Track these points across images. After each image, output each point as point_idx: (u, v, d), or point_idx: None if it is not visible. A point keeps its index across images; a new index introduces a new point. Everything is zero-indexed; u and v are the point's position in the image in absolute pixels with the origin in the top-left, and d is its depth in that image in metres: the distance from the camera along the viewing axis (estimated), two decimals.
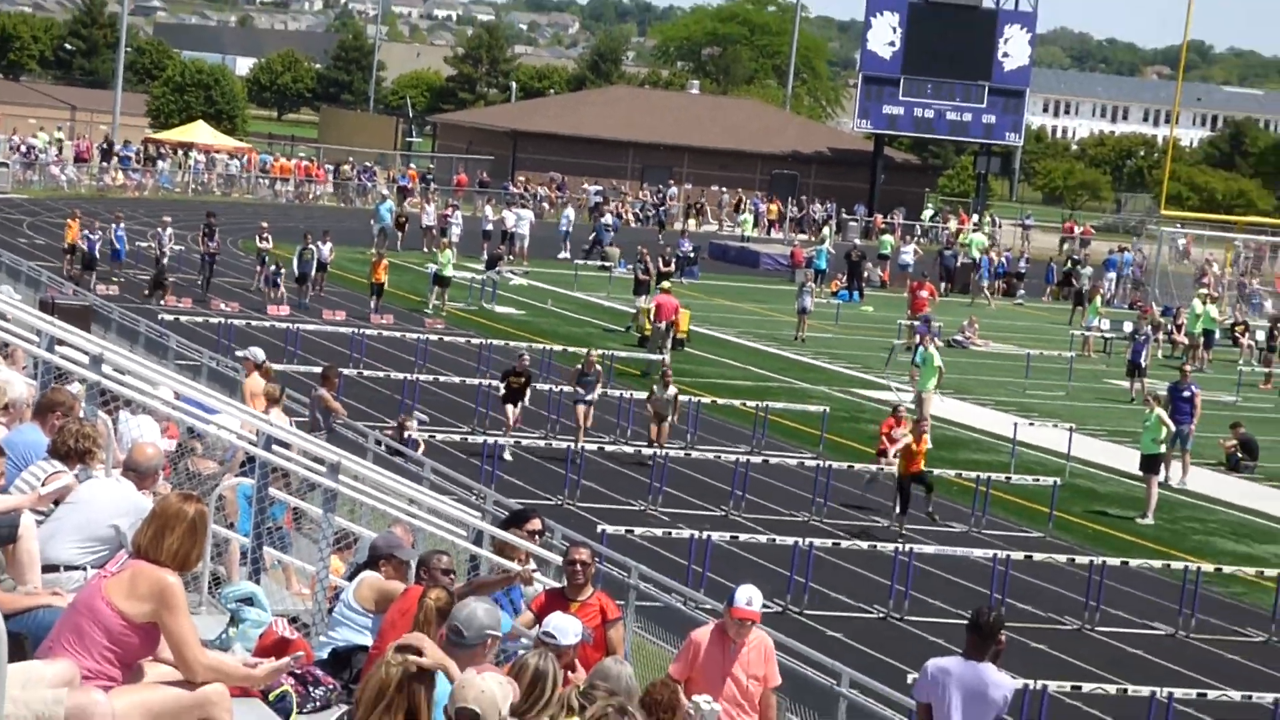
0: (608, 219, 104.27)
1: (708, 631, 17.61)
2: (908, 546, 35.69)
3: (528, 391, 41.66)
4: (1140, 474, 44.40)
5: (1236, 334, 76.89)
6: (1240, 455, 50.21)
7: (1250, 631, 35.26)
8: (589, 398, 43.45)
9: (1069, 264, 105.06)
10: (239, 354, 33.79)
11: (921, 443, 37.14)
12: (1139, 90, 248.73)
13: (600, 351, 55.97)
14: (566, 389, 48.45)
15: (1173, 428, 45.44)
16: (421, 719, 9.74)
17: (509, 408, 40.51)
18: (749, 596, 17.34)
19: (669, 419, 44.21)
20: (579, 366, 45.76)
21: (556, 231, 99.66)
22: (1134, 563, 36.86)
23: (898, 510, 37.42)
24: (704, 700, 16.30)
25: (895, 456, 38.40)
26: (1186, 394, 48.85)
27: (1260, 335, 75.54)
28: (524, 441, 43.28)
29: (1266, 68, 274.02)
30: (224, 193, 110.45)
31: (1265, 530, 43.75)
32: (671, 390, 44.50)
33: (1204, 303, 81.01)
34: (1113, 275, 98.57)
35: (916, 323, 68.77)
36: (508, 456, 33.02)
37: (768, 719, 17.65)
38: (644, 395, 47.02)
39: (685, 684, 16.95)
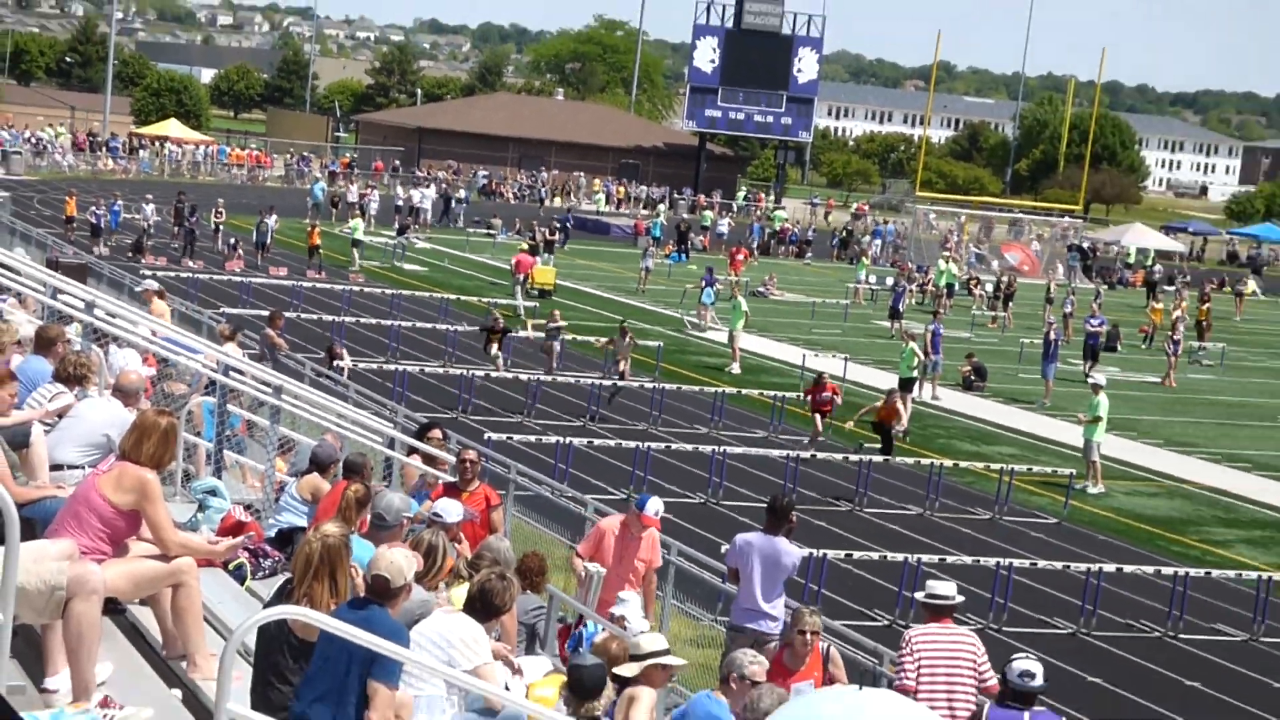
0: (461, 193, 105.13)
1: (615, 523, 18.18)
2: (722, 448, 35.96)
3: (504, 338, 41.72)
4: (899, 393, 44.80)
5: (971, 286, 77.51)
6: (973, 378, 50.73)
7: (978, 510, 35.47)
8: (555, 343, 42.99)
9: (846, 233, 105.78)
10: (140, 289, 33.31)
11: (894, 406, 36.03)
12: (900, 100, 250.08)
13: (489, 300, 56.60)
14: (460, 328, 48.82)
15: (924, 358, 46.02)
16: (340, 582, 9.91)
17: (494, 348, 40.98)
18: (657, 508, 18.22)
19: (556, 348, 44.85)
20: (545, 320, 45.41)
21: (456, 207, 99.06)
22: (894, 460, 37.17)
23: (881, 449, 36.06)
24: (594, 566, 17.46)
25: (866, 415, 37.53)
26: (937, 332, 49.63)
27: (989, 287, 76.14)
28: (428, 369, 43.30)
29: (996, 82, 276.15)
30: (191, 176, 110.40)
31: (992, 435, 44.11)
32: (560, 322, 45.65)
33: (946, 262, 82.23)
34: (879, 241, 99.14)
35: (724, 277, 69.16)
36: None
37: (649, 590, 18.16)
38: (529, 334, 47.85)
39: (591, 558, 17.78)
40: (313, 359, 37.72)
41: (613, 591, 16.91)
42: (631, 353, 44.82)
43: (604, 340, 46.34)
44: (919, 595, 16.90)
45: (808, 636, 15.06)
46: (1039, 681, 13.93)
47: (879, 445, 36.27)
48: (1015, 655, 14.89)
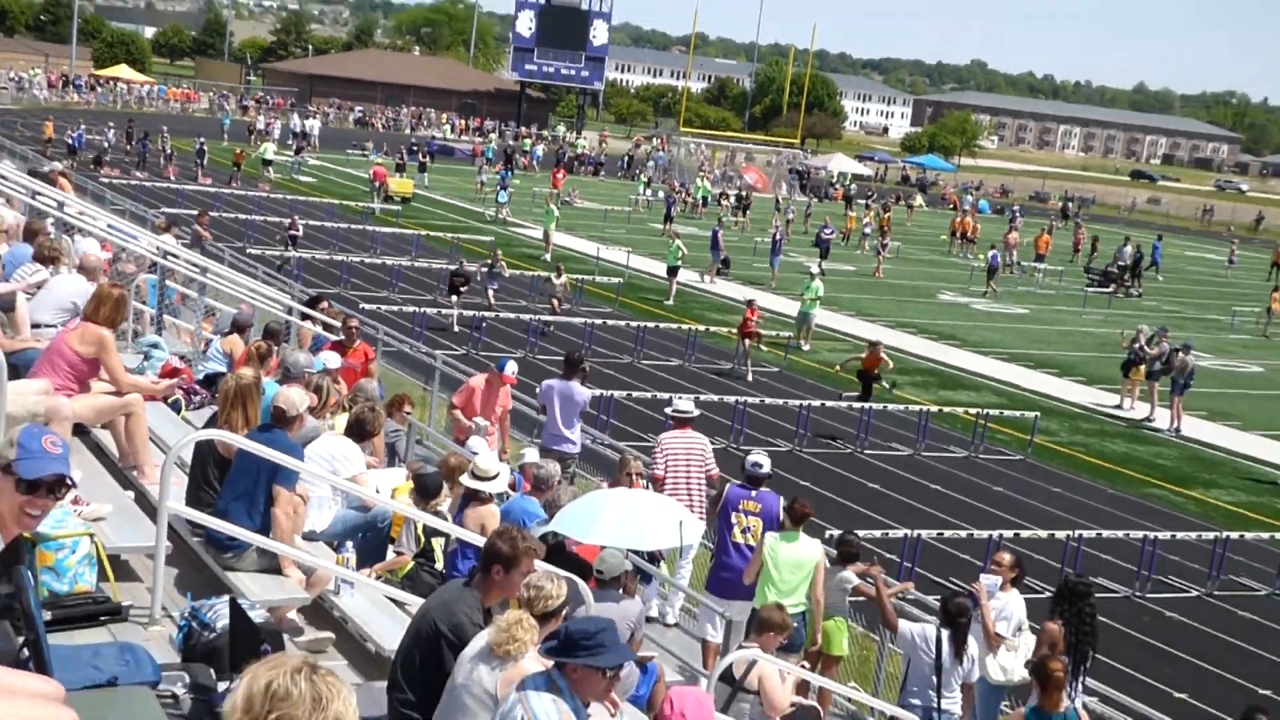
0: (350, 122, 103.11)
1: (481, 380, 18.03)
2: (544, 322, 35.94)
3: (465, 287, 38.25)
4: (666, 277, 44.74)
5: (720, 198, 77.66)
6: (722, 267, 50.78)
7: (721, 362, 35.66)
8: (495, 286, 39.55)
9: (629, 158, 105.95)
10: (46, 169, 33.20)
11: (878, 355, 31.87)
12: (669, 60, 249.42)
13: (362, 205, 56.05)
14: (344, 225, 48.27)
15: (686, 251, 45.97)
16: (251, 412, 10.09)
17: (454, 298, 37.37)
18: (513, 369, 18.13)
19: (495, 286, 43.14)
20: (490, 261, 40.81)
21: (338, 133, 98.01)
22: (661, 325, 37.36)
23: (858, 395, 31.26)
24: (481, 421, 17.45)
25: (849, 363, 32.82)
26: (716, 233, 50.59)
27: (733, 199, 76.36)
28: (319, 256, 42.92)
29: (738, 49, 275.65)
30: (138, 108, 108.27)
31: (731, 306, 44.09)
32: (501, 262, 43.19)
33: (702, 180, 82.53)
34: (653, 165, 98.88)
35: (540, 189, 68.92)
36: (456, 328, 31.44)
37: (504, 427, 18.23)
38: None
39: (463, 409, 17.67)
40: (231, 245, 37.42)
41: (476, 433, 17.22)
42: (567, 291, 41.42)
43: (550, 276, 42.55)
44: (668, 410, 17.96)
45: (633, 478, 15.23)
46: (766, 470, 14.87)
47: (858, 393, 31.58)
48: (752, 450, 15.92)
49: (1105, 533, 22.74)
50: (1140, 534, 22.64)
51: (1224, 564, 22.42)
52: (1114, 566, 22.16)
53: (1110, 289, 59.14)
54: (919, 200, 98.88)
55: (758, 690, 10.71)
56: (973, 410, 30.92)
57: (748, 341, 34.56)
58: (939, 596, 14.03)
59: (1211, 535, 23.19)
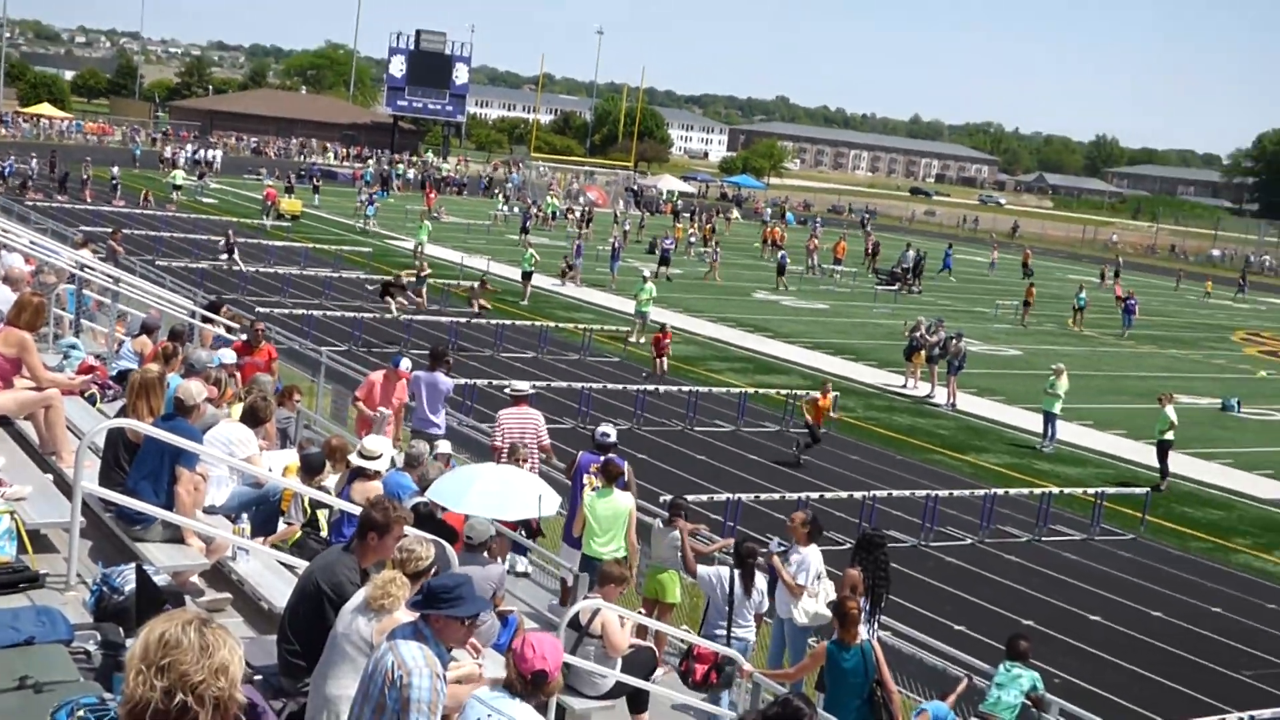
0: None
1: (379, 375, 18.21)
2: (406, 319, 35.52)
3: (397, 294, 37.44)
4: (521, 281, 44.45)
5: (566, 213, 77.60)
6: (568, 270, 50.66)
7: (569, 353, 35.66)
8: (422, 293, 38.77)
9: (489, 179, 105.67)
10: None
11: (825, 399, 27.54)
12: (522, 96, 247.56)
13: (238, 221, 55.12)
14: (242, 239, 47.40)
15: (539, 258, 45.83)
16: (154, 402, 9.88)
17: (389, 300, 36.85)
18: (408, 365, 18.34)
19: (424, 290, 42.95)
20: (415, 268, 40.83)
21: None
22: (517, 323, 37.10)
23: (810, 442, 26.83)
24: (384, 410, 17.51)
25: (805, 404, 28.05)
26: (580, 247, 50.30)
27: (578, 214, 76.46)
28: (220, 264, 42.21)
29: (581, 87, 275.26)
30: (60, 140, 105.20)
31: (577, 306, 43.98)
32: (427, 271, 43.28)
33: (552, 198, 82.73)
34: (509, 185, 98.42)
35: (414, 207, 68.07)
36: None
37: (399, 416, 18.04)
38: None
39: (365, 400, 17.77)
40: (143, 259, 36.66)
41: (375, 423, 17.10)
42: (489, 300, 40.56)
43: (467, 287, 42.34)
44: (507, 391, 18.18)
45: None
46: (613, 439, 15.23)
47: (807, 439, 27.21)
48: (601, 422, 16.27)
49: (895, 492, 23.05)
50: (924, 493, 23.01)
51: (992, 516, 22.86)
52: (903, 520, 22.47)
53: (896, 287, 60.01)
54: (735, 214, 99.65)
55: (600, 635, 10.68)
56: (782, 391, 31.23)
57: (663, 359, 33.33)
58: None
59: (982, 492, 23.65)
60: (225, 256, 43.41)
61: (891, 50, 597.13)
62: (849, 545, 14.78)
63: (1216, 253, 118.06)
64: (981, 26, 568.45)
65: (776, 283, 56.67)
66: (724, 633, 12.36)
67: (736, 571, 12.59)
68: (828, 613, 12.95)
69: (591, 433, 16.07)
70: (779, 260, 58.23)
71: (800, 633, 13.19)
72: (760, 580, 12.66)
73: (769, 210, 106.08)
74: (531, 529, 14.72)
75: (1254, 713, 14.45)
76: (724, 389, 31.71)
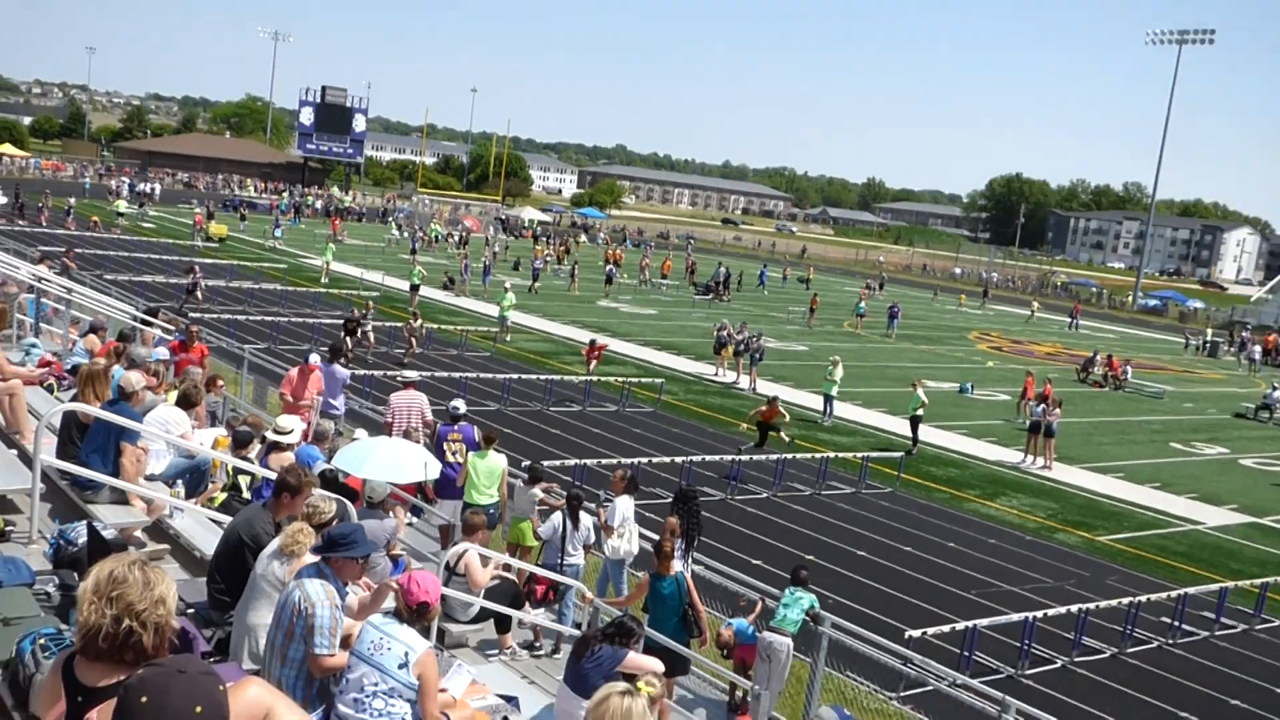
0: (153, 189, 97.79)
1: (295, 370, 17.63)
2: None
3: (359, 329, 31.89)
4: (409, 292, 43.79)
5: (447, 238, 76.56)
6: (450, 284, 50.06)
7: (448, 349, 35.30)
8: (369, 327, 33.48)
9: (383, 210, 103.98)
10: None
11: (774, 410, 25.47)
12: (410, 142, 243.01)
13: (173, 242, 53.27)
14: (172, 258, 45.83)
15: (426, 274, 45.17)
16: (100, 389, 9.70)
17: (348, 339, 29.50)
18: (317, 358, 17.90)
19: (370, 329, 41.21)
20: (357, 309, 35.38)
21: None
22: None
23: (754, 444, 25.27)
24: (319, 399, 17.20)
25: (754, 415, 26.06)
26: (467, 264, 49.21)
27: (457, 238, 75.60)
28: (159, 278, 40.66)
29: (460, 135, 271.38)
30: (20, 175, 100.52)
31: (460, 312, 43.51)
32: (371, 310, 41.49)
33: (435, 225, 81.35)
34: (400, 214, 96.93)
35: (328, 233, 66.56)
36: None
37: (314, 403, 17.41)
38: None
39: (288, 392, 17.13)
40: (92, 272, 35.35)
41: (297, 409, 16.60)
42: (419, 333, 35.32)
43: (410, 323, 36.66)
44: (399, 379, 18.09)
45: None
46: (463, 410, 15.76)
47: (755, 441, 25.66)
48: (454, 397, 16.35)
49: (708, 457, 23.32)
50: (730, 457, 23.33)
51: (783, 475, 23.26)
52: (713, 479, 22.74)
53: (709, 296, 60.69)
54: (584, 238, 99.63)
55: (464, 573, 10.76)
56: (620, 379, 31.38)
57: (592, 364, 31.98)
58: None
59: (775, 457, 24.05)
60: (186, 295, 36.80)
61: (708, 105, 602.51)
62: (670, 498, 14.96)
63: (958, 270, 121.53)
64: (781, 83, 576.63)
65: (605, 290, 57.11)
66: (555, 560, 12.64)
67: (567, 513, 12.86)
68: (632, 548, 13.42)
69: (447, 406, 16.24)
70: (607, 273, 58.86)
71: (615, 565, 13.50)
72: (586, 519, 12.93)
73: (600, 235, 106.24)
74: (428, 495, 14.84)
75: (977, 622, 14.96)
76: (574, 377, 31.73)
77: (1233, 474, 30.43)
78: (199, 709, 3.36)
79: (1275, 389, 43.70)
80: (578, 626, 11.89)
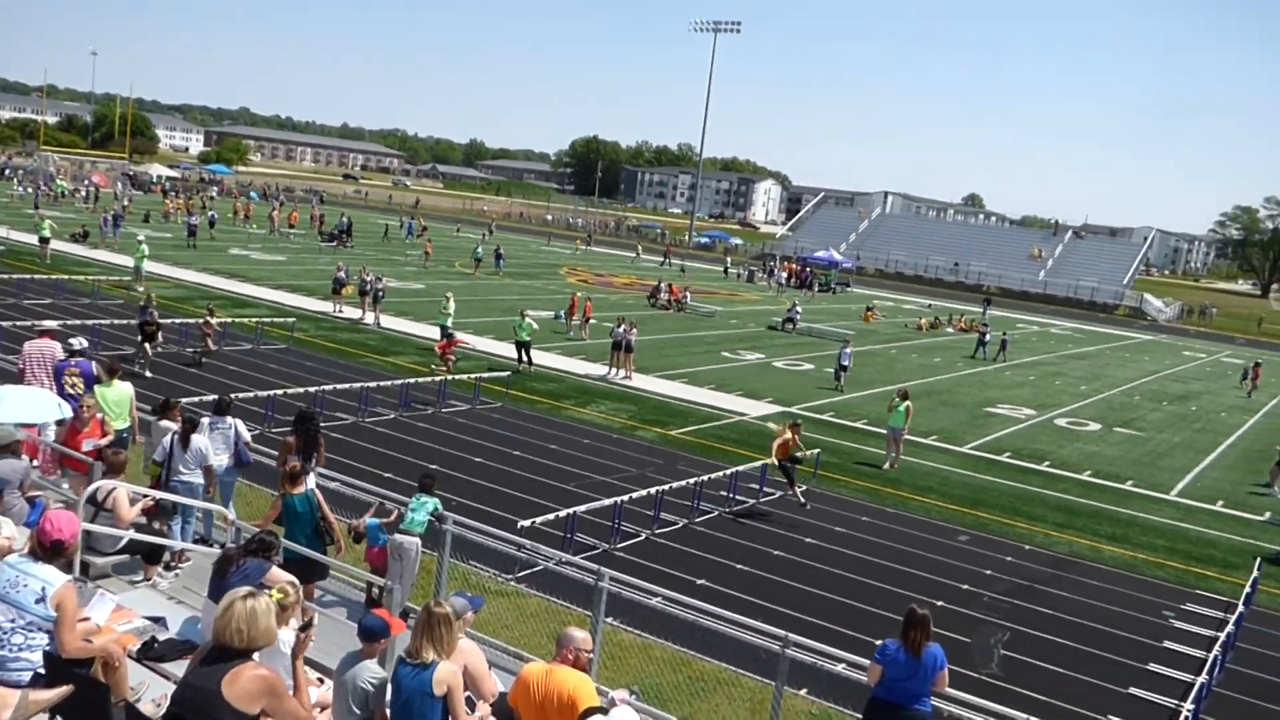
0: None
1: None
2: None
3: (158, 334, 24.39)
4: (39, 245, 39.21)
5: (74, 193, 68.85)
6: (81, 236, 45.19)
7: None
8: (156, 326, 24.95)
9: (5, 167, 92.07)
10: None
11: (795, 437, 18.71)
12: (31, 102, 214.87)
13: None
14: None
15: (56, 227, 40.50)
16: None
17: (147, 345, 23.42)
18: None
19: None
20: (142, 303, 25.88)
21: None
22: (36, 276, 32.69)
23: (788, 483, 18.71)
24: None
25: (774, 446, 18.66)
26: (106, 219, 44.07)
27: (83, 192, 68.06)
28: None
29: (83, 96, 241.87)
30: None
31: (96, 263, 39.42)
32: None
33: (61, 180, 72.44)
34: (21, 171, 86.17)
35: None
36: (147, 374, 21.49)
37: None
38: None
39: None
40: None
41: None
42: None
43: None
44: (35, 328, 16.24)
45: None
46: (78, 347, 14.82)
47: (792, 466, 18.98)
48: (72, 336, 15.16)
49: (337, 385, 22.42)
50: (359, 384, 22.52)
51: (407, 398, 22.77)
52: (345, 405, 21.92)
53: (334, 244, 58.48)
54: (213, 193, 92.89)
55: (112, 509, 9.85)
56: (252, 320, 29.64)
57: (448, 363, 26.79)
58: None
59: (400, 381, 23.49)
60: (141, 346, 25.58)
61: (327, 70, 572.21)
62: (291, 418, 14.27)
63: (550, 217, 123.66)
64: (394, 50, 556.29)
65: (210, 234, 55.00)
66: (177, 478, 11.72)
67: (176, 434, 11.90)
68: (227, 462, 12.72)
69: (64, 344, 15.14)
70: (209, 219, 57.57)
71: (224, 479, 12.83)
72: (198, 440, 11.90)
73: (211, 189, 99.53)
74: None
75: (576, 509, 15.38)
76: (196, 319, 29.55)
77: (769, 374, 32.98)
78: None
79: (795, 306, 47.83)
80: (202, 541, 11.28)
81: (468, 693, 6.87)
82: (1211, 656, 13.43)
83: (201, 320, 26.90)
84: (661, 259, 77.24)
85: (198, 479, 11.80)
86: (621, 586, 10.24)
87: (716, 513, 18.02)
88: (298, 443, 12.01)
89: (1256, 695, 13.19)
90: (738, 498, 18.75)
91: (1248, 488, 24.90)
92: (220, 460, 12.68)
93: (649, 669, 11.18)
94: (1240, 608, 15.14)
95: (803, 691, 10.98)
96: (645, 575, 13.50)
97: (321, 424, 13.95)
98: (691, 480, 18.13)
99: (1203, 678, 12.57)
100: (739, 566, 15.49)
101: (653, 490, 17.06)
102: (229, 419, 13.15)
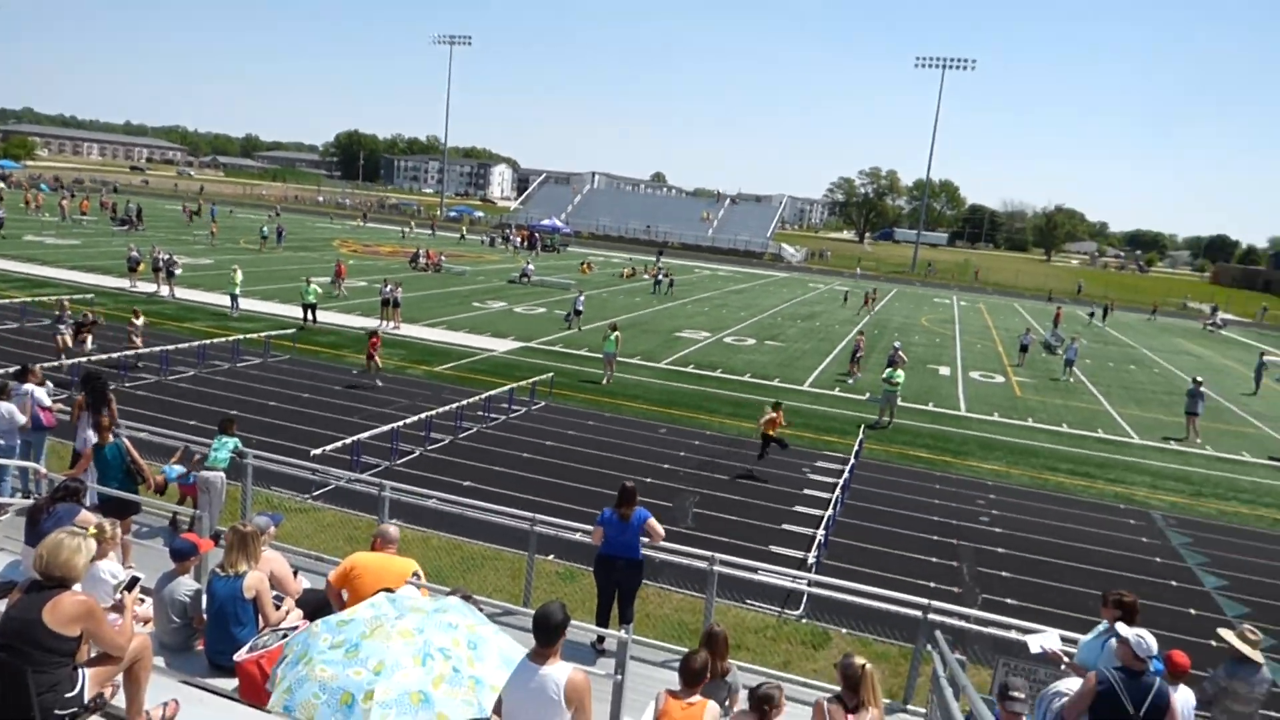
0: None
1: None
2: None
3: (90, 334, 20.08)
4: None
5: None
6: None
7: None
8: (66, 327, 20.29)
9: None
10: None
11: (779, 416, 16.74)
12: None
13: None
14: None
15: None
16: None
17: (85, 344, 19.25)
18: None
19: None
20: (57, 311, 20.79)
21: None
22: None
23: (759, 455, 16.85)
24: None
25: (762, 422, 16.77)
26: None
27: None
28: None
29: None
30: None
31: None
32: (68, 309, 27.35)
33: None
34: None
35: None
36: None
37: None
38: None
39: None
40: None
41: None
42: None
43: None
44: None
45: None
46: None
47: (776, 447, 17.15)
48: None
49: (142, 350, 20.27)
50: (160, 348, 20.42)
51: (205, 355, 20.93)
52: (151, 366, 19.87)
53: (126, 227, 52.20)
54: (2, 186, 79.99)
55: None
56: (55, 296, 26.04)
57: (375, 360, 20.65)
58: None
59: (197, 343, 21.53)
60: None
61: (109, 70, 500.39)
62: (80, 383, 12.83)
63: (321, 199, 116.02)
64: (174, 48, 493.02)
65: (42, 236, 45.98)
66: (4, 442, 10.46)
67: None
68: (22, 419, 11.15)
69: None
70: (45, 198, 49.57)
71: (30, 438, 11.36)
72: (3, 405, 10.57)
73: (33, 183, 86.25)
74: None
75: (360, 436, 14.78)
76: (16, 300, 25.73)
77: (511, 318, 32.78)
78: None
79: (529, 264, 47.74)
80: (25, 495, 10.01)
81: (276, 593, 6.55)
82: (834, 496, 14.88)
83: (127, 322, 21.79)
84: (429, 230, 74.71)
85: (5, 440, 10.41)
86: (402, 493, 10.01)
87: (476, 428, 17.89)
88: (85, 400, 10.78)
89: (864, 518, 14.73)
90: (490, 415, 18.69)
91: (836, 376, 27.49)
92: (20, 421, 11.21)
93: (429, 555, 11.03)
94: (852, 460, 16.81)
95: (550, 556, 11.24)
96: (420, 483, 13.25)
97: (129, 384, 12.57)
98: (454, 405, 17.88)
99: (830, 511, 13.92)
100: (496, 469, 15.49)
101: (423, 415, 16.69)
102: (25, 386, 11.60)
